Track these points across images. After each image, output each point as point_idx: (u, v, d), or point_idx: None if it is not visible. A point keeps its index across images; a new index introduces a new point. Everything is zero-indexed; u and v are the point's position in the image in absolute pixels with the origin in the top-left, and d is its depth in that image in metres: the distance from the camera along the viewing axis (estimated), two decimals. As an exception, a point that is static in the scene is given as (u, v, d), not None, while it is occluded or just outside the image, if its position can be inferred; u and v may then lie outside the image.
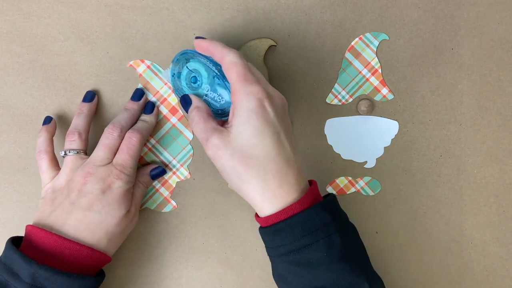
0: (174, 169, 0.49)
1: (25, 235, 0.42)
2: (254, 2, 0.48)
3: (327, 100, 0.49)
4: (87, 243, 0.41)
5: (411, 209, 0.50)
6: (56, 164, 0.46)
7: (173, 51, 0.49)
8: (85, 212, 0.41)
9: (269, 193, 0.38)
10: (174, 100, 0.48)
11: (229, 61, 0.39)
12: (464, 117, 0.50)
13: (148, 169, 0.48)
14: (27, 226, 0.42)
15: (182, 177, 0.49)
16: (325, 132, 0.50)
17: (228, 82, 0.41)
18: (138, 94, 0.48)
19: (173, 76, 0.45)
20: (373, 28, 0.49)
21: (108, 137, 0.44)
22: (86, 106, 0.47)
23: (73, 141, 0.45)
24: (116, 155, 0.44)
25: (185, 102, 0.43)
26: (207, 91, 0.43)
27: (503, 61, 0.49)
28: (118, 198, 0.43)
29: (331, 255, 0.38)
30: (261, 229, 0.40)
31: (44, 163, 0.46)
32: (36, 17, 0.48)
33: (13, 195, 0.49)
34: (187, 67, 0.43)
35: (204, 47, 0.41)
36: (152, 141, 0.49)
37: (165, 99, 0.48)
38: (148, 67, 0.48)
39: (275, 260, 0.40)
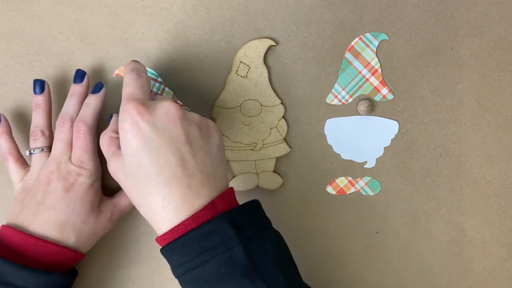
0: None
1: None
2: (254, 2, 0.48)
3: (327, 100, 0.49)
4: (55, 241, 0.41)
5: (411, 209, 0.50)
6: (23, 163, 0.46)
7: (173, 51, 0.49)
8: (50, 211, 0.41)
9: (155, 215, 0.37)
10: (169, 93, 0.48)
11: (124, 82, 0.40)
12: (464, 117, 0.50)
13: None
14: None
15: None
16: (325, 132, 0.50)
17: None
18: (80, 75, 0.45)
19: None
20: (373, 28, 0.49)
21: (62, 130, 0.44)
22: (40, 99, 0.45)
23: (36, 140, 0.44)
24: (72, 152, 0.43)
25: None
26: None
27: (503, 61, 0.49)
28: (81, 195, 0.42)
29: (230, 272, 0.35)
30: (160, 249, 0.38)
31: (10, 164, 0.45)
32: (36, 17, 0.48)
33: (12, 194, 0.49)
34: None
35: (124, 69, 0.42)
36: None
37: (160, 95, 0.48)
38: None
39: (179, 281, 0.38)
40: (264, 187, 0.49)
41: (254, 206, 0.39)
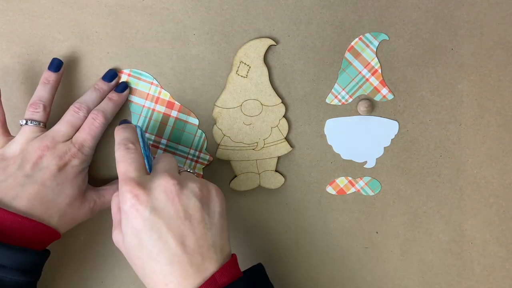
0: (195, 158, 0.49)
1: None
2: (254, 2, 0.49)
3: (327, 100, 0.49)
4: (38, 218, 0.40)
5: (411, 209, 0.50)
6: (6, 131, 0.45)
7: (173, 51, 0.49)
8: (39, 186, 0.40)
9: None
10: (166, 95, 0.48)
11: (116, 158, 0.39)
12: (464, 117, 0.50)
13: None
14: None
15: (206, 162, 0.49)
16: (325, 132, 0.50)
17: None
18: (110, 75, 0.47)
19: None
20: (373, 28, 0.49)
21: (73, 115, 0.44)
22: (53, 77, 0.45)
23: (36, 112, 0.44)
24: (77, 133, 0.43)
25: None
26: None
27: (503, 61, 0.49)
28: (72, 177, 0.42)
29: None
30: None
31: None
32: (36, 17, 0.48)
33: None
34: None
35: (115, 135, 0.42)
36: (163, 141, 0.48)
37: (158, 97, 0.48)
38: (129, 75, 0.48)
39: None
40: (266, 186, 0.49)
41: (256, 275, 0.39)
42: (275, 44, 0.48)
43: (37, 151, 0.41)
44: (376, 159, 0.50)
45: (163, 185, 0.37)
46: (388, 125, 0.50)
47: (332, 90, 0.49)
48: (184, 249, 0.36)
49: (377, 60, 0.49)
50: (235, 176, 0.49)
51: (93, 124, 0.44)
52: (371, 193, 0.50)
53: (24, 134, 0.43)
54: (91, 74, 0.49)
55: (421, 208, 0.50)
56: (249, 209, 0.50)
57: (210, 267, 0.37)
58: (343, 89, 0.49)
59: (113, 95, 0.46)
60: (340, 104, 0.50)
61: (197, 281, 0.36)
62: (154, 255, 0.36)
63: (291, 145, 0.49)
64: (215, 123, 0.49)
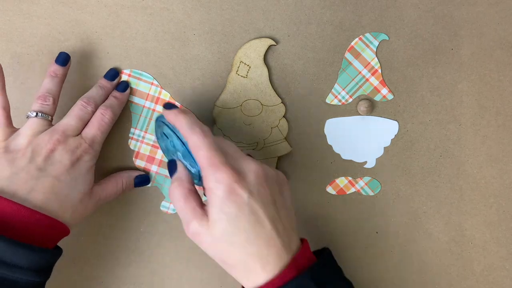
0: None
1: None
2: (254, 2, 0.49)
3: (327, 100, 0.49)
4: (53, 213, 0.39)
5: (411, 209, 0.50)
6: (10, 123, 0.44)
7: (173, 51, 0.49)
8: (53, 180, 0.40)
9: (253, 276, 0.37)
10: (166, 95, 0.48)
11: (193, 144, 0.38)
12: (464, 117, 0.50)
13: (134, 174, 0.48)
14: None
15: None
16: (325, 132, 0.50)
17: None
18: (112, 74, 0.47)
19: (157, 138, 0.45)
20: (373, 28, 0.49)
21: (82, 109, 0.44)
22: (61, 71, 0.45)
23: (46, 105, 0.43)
24: (86, 129, 0.43)
25: (170, 168, 0.41)
26: (181, 158, 0.41)
27: (503, 61, 0.49)
28: (84, 173, 0.42)
29: None
30: None
31: None
32: (36, 17, 0.48)
33: None
34: (163, 132, 0.43)
35: (171, 120, 0.40)
36: (153, 137, 0.49)
37: (158, 98, 0.48)
38: (130, 75, 0.48)
39: None
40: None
41: (329, 257, 0.40)
42: (275, 44, 0.48)
43: (47, 144, 0.41)
44: (376, 159, 0.50)
45: (254, 170, 0.38)
46: (388, 125, 0.50)
47: (332, 90, 0.49)
48: (277, 232, 0.37)
49: (377, 60, 0.49)
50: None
51: (103, 120, 0.44)
52: (371, 193, 0.50)
53: (31, 127, 0.42)
54: (91, 74, 0.49)
55: (421, 208, 0.50)
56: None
57: (294, 247, 0.38)
58: (343, 89, 0.49)
59: (117, 94, 0.47)
60: (340, 104, 0.50)
61: (286, 260, 0.37)
62: (252, 239, 0.37)
63: (291, 145, 0.49)
64: (215, 123, 0.49)
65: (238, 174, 0.37)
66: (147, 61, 0.49)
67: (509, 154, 0.50)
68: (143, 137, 0.49)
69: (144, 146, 0.49)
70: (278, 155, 0.49)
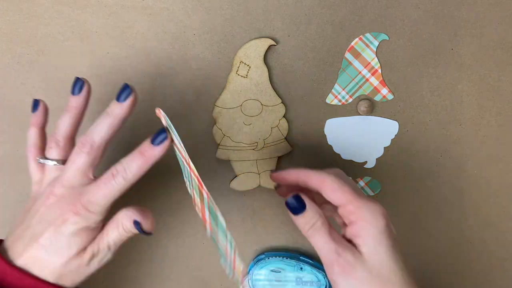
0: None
1: None
2: (254, 2, 0.49)
3: (327, 100, 0.49)
4: (37, 276, 0.36)
5: (411, 209, 0.50)
6: (40, 167, 0.40)
7: (173, 51, 0.49)
8: (33, 243, 0.36)
9: None
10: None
11: (331, 183, 0.36)
12: (464, 117, 0.50)
13: (132, 216, 0.38)
14: None
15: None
16: (325, 132, 0.50)
17: (319, 263, 0.46)
18: (125, 93, 0.38)
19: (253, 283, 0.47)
20: (373, 28, 0.49)
21: (79, 153, 0.37)
22: (73, 102, 0.39)
23: (50, 149, 0.38)
24: (91, 185, 0.36)
25: (294, 207, 0.37)
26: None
27: (503, 61, 0.49)
28: (68, 235, 0.36)
29: None
30: None
31: (30, 161, 0.40)
32: (36, 17, 0.48)
33: (13, 195, 0.49)
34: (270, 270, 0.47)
35: (292, 178, 0.38)
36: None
37: (189, 164, 0.36)
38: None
39: None
40: (266, 186, 0.49)
41: None
42: (275, 44, 0.48)
43: (44, 199, 0.37)
44: (376, 159, 0.50)
45: (383, 211, 0.36)
46: (388, 125, 0.50)
47: (332, 90, 0.49)
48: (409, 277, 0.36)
49: (377, 60, 0.49)
50: (235, 176, 0.49)
51: (110, 182, 0.36)
52: (371, 193, 0.50)
53: (46, 175, 0.39)
54: (91, 74, 0.49)
55: (421, 208, 0.50)
56: (249, 209, 0.50)
57: None
58: (343, 89, 0.49)
59: (146, 149, 0.36)
60: (340, 104, 0.50)
61: None
62: (406, 278, 0.35)
63: (291, 145, 0.49)
64: (215, 123, 0.49)
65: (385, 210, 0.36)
66: (147, 61, 0.49)
67: (509, 154, 0.50)
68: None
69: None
70: (278, 155, 0.49)
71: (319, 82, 0.49)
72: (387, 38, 0.49)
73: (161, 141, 0.36)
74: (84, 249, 0.37)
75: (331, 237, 0.36)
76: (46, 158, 0.38)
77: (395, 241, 0.36)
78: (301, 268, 0.47)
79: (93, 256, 0.37)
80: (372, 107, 0.49)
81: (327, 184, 0.36)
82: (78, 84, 0.39)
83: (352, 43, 0.49)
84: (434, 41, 0.49)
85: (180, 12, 0.48)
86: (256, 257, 0.49)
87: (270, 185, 0.49)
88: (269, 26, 0.49)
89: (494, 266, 0.51)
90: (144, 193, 0.50)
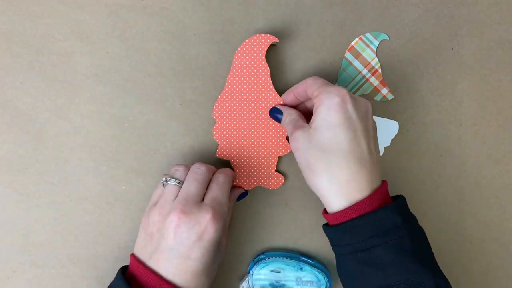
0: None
1: (129, 264, 0.42)
2: (254, 2, 0.48)
3: (327, 100, 0.49)
4: None
5: (411, 209, 0.50)
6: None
7: (173, 51, 0.49)
8: (185, 260, 0.40)
9: (335, 187, 0.39)
10: None
11: (310, 81, 0.43)
12: (464, 117, 0.50)
13: (236, 195, 0.47)
14: (131, 256, 0.42)
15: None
16: (325, 132, 0.50)
17: (319, 263, 0.48)
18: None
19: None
20: (373, 28, 0.49)
21: (197, 172, 0.43)
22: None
23: (177, 171, 0.44)
24: (208, 192, 0.42)
25: (275, 113, 0.46)
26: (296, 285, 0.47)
27: (503, 61, 0.49)
28: (213, 242, 0.40)
29: (401, 257, 0.38)
30: (327, 227, 0.41)
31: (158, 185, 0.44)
32: (36, 17, 0.48)
33: (13, 195, 0.49)
34: (269, 270, 0.47)
35: (291, 98, 0.46)
36: None
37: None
38: None
39: (342, 258, 0.41)
40: (266, 186, 0.49)
41: (405, 201, 0.42)
42: (277, 40, 0.48)
43: (174, 219, 0.40)
44: (376, 159, 0.50)
45: (366, 104, 0.42)
46: (388, 125, 0.50)
47: (332, 90, 0.49)
48: (371, 159, 0.40)
49: (377, 60, 0.49)
50: (235, 176, 0.49)
51: (219, 179, 0.43)
52: (371, 193, 0.50)
53: (166, 195, 0.42)
54: (91, 74, 0.49)
55: (421, 207, 0.50)
56: (249, 209, 0.50)
57: (377, 180, 0.40)
58: (343, 89, 0.49)
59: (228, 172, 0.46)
60: (340, 104, 0.49)
61: (372, 188, 0.40)
62: (345, 151, 0.39)
63: (291, 145, 0.49)
64: (215, 123, 0.49)
65: (352, 96, 0.41)
66: (147, 61, 0.49)
67: (509, 154, 0.50)
68: None
69: None
70: (279, 154, 0.49)
71: (319, 82, 0.49)
72: (387, 38, 0.49)
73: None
74: (220, 243, 0.43)
75: (293, 123, 0.43)
76: (172, 178, 0.43)
77: (346, 118, 0.40)
78: (301, 268, 0.47)
79: (225, 244, 0.45)
80: (372, 107, 0.49)
81: (308, 84, 0.43)
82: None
83: (352, 43, 0.49)
84: (434, 41, 0.49)
85: (180, 12, 0.48)
86: (256, 257, 0.49)
87: (271, 184, 0.49)
88: (269, 26, 0.49)
89: (494, 266, 0.51)
90: (144, 193, 0.49)
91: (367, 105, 0.42)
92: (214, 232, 0.40)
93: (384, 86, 0.49)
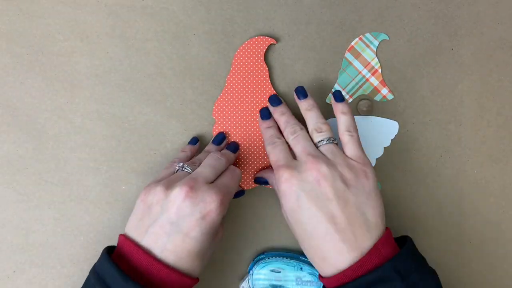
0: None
1: (117, 245, 0.40)
2: (254, 2, 0.48)
3: (327, 100, 0.49)
4: (185, 271, 0.39)
5: (411, 209, 0.50)
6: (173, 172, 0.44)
7: (173, 51, 0.49)
8: (184, 237, 0.39)
9: (317, 261, 0.40)
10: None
11: (267, 150, 0.44)
12: (464, 117, 0.50)
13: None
14: (120, 236, 0.40)
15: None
16: (325, 132, 0.50)
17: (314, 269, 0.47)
18: (220, 138, 0.48)
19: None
20: (373, 28, 0.49)
21: (217, 160, 0.43)
22: (212, 148, 0.47)
23: (193, 164, 0.44)
24: (221, 178, 0.42)
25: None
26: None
27: (503, 61, 0.49)
28: (214, 226, 0.40)
29: None
30: None
31: (168, 165, 0.45)
32: (36, 17, 0.48)
33: (13, 195, 0.49)
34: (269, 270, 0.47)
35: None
36: None
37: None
38: None
39: None
40: (266, 186, 0.49)
41: (411, 246, 0.40)
42: (275, 42, 0.48)
43: (181, 192, 0.39)
44: (376, 159, 0.50)
45: (311, 169, 0.40)
46: (388, 125, 0.50)
47: (332, 90, 0.49)
48: (335, 227, 0.38)
49: (377, 60, 0.49)
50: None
51: (235, 171, 0.44)
52: (371, 193, 0.50)
53: (172, 177, 0.42)
54: (91, 74, 0.49)
55: (421, 208, 0.50)
56: (249, 209, 0.50)
57: (364, 244, 0.38)
58: (343, 89, 0.49)
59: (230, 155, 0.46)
60: (340, 104, 0.50)
61: (352, 256, 0.38)
62: (309, 232, 0.39)
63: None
64: (215, 123, 0.49)
65: (294, 173, 0.40)
66: (147, 61, 0.49)
67: (509, 154, 0.50)
68: None
69: None
70: (278, 155, 0.49)
71: (319, 82, 0.49)
72: (387, 38, 0.49)
73: (236, 149, 0.48)
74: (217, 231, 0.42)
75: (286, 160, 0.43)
76: (188, 166, 0.43)
77: (298, 201, 0.39)
78: (301, 268, 0.47)
79: (221, 233, 0.44)
80: (372, 107, 0.49)
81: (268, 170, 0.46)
82: (220, 136, 0.48)
83: (352, 43, 0.49)
84: (434, 41, 0.49)
85: (180, 12, 0.48)
86: (256, 257, 0.49)
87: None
88: (269, 26, 0.49)
89: (494, 266, 0.51)
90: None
91: (316, 171, 0.39)
92: (218, 215, 0.40)
93: (384, 86, 0.49)
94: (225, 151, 0.46)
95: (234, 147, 0.47)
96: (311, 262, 0.41)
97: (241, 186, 0.48)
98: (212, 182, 0.41)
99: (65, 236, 0.49)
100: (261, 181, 0.47)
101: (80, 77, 0.49)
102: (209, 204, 0.39)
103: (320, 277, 0.41)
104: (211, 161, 0.43)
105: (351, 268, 0.38)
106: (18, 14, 0.48)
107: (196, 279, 0.40)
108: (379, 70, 0.49)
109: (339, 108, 0.43)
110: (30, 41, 0.48)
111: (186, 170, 0.43)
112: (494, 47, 0.49)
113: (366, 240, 0.38)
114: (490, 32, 0.49)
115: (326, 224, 0.38)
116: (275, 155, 0.43)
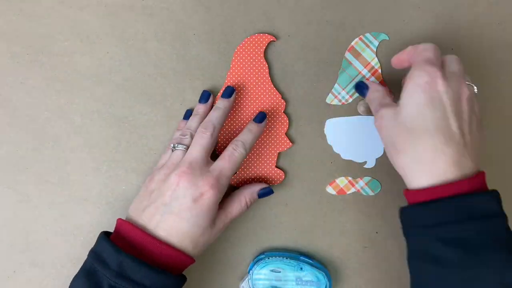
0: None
1: (115, 227, 0.43)
2: (254, 2, 0.49)
3: (327, 100, 0.49)
4: (176, 246, 0.41)
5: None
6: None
7: (173, 51, 0.49)
8: (175, 217, 0.41)
9: (419, 166, 0.39)
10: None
11: (422, 48, 0.41)
12: (464, 117, 0.50)
13: (257, 188, 0.47)
14: (118, 220, 0.43)
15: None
16: (325, 132, 0.50)
17: (319, 263, 0.48)
18: (229, 91, 0.47)
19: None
20: (373, 28, 0.49)
21: (202, 136, 0.44)
22: (201, 108, 0.47)
23: (185, 137, 0.45)
24: (217, 161, 0.43)
25: (361, 88, 0.47)
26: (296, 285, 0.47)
27: (503, 61, 0.49)
28: (206, 209, 0.42)
29: (495, 244, 0.37)
30: (407, 208, 0.41)
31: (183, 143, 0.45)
32: (36, 18, 0.48)
33: (13, 195, 0.49)
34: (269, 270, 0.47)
35: (402, 57, 0.43)
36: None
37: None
38: None
39: (424, 239, 0.39)
40: (267, 182, 0.49)
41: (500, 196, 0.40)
42: (275, 39, 0.48)
43: (175, 178, 0.42)
44: (376, 159, 0.50)
45: (460, 87, 0.40)
46: (388, 125, 0.50)
47: (332, 90, 0.49)
48: (462, 140, 0.38)
49: (377, 60, 0.49)
50: (236, 172, 0.49)
51: (233, 154, 0.44)
52: (371, 193, 0.50)
53: (173, 159, 0.44)
54: (91, 74, 0.49)
55: (421, 208, 0.50)
56: (249, 209, 0.50)
57: (474, 167, 0.39)
58: (343, 89, 0.49)
59: (253, 126, 0.46)
60: (340, 104, 0.50)
61: (463, 172, 0.38)
62: (431, 130, 0.38)
63: (292, 141, 0.49)
64: (215, 123, 0.49)
65: (445, 76, 0.39)
66: (147, 61, 0.49)
67: (509, 154, 0.50)
68: None
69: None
70: (279, 150, 0.49)
71: (319, 82, 0.49)
72: (387, 38, 0.49)
73: (262, 119, 0.46)
74: (213, 220, 0.43)
75: (379, 100, 0.44)
76: (179, 144, 0.45)
77: (434, 97, 0.38)
78: (301, 268, 0.47)
79: (221, 229, 0.44)
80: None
81: (419, 49, 0.42)
82: (207, 96, 0.47)
83: (352, 43, 0.49)
84: (434, 41, 0.49)
85: (180, 12, 0.49)
86: (256, 257, 0.49)
87: (271, 181, 0.49)
88: (269, 26, 0.49)
89: (494, 266, 0.50)
90: (144, 193, 0.49)
91: (463, 89, 0.40)
92: (209, 198, 0.41)
93: (384, 86, 0.49)
94: (251, 125, 0.46)
95: (261, 116, 0.47)
96: (402, 165, 0.40)
97: (240, 184, 0.48)
98: (211, 164, 0.43)
99: (65, 236, 0.49)
100: (361, 88, 0.47)
101: (80, 77, 0.49)
102: (201, 187, 0.41)
103: (406, 191, 0.41)
104: (198, 140, 0.44)
105: (453, 185, 0.37)
106: (18, 14, 0.48)
107: (188, 258, 0.42)
108: (379, 70, 0.49)
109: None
110: (30, 41, 0.48)
111: (179, 149, 0.44)
112: (494, 47, 0.49)
113: (474, 166, 0.39)
114: (490, 32, 0.49)
115: (456, 129, 0.38)
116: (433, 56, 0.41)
